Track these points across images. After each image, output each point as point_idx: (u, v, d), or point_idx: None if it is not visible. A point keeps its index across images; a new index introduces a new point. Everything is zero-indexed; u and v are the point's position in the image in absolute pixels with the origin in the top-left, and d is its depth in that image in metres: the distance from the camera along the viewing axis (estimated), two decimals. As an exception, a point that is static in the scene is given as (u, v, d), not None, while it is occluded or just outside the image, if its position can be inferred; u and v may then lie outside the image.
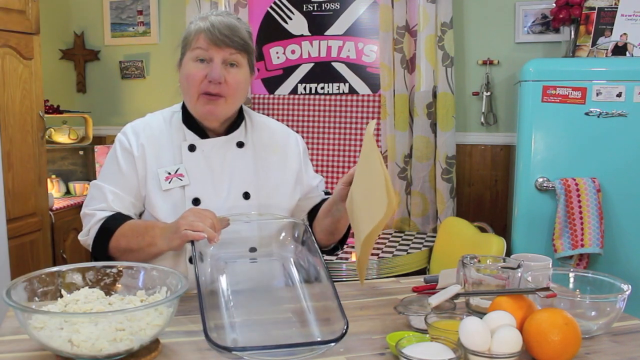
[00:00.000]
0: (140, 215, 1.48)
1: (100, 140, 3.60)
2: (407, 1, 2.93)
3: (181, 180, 1.42)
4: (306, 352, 0.99)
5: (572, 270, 1.34)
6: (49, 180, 3.07)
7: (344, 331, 1.02)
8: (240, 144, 1.48)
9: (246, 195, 1.45)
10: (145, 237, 1.32)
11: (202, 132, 1.47)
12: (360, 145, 3.13)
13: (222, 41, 1.36)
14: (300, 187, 1.57)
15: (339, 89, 3.18)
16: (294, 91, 3.26)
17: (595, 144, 2.28)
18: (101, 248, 1.40)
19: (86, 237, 1.44)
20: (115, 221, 1.39)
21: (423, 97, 2.90)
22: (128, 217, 1.42)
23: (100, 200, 1.43)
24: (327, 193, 1.61)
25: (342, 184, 1.37)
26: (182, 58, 1.44)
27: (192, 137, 1.46)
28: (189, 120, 1.47)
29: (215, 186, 1.44)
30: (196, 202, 1.41)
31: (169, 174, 1.42)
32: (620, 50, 2.44)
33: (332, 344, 1.01)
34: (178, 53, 1.46)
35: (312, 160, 3.19)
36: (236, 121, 1.50)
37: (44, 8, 3.07)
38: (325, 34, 3.18)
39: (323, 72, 3.20)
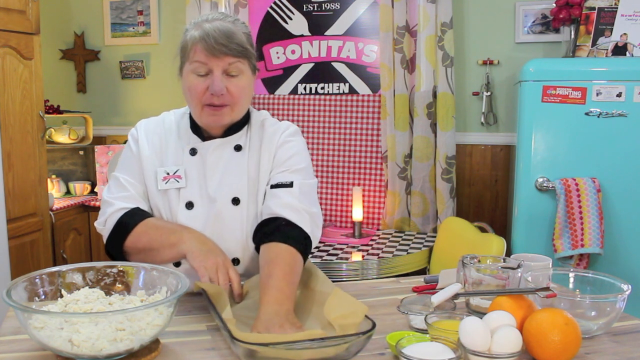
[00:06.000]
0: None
1: (100, 140, 3.60)
2: (407, 1, 2.93)
3: (178, 182, 1.41)
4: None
5: (572, 270, 1.34)
6: (49, 180, 3.07)
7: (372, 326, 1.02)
8: (238, 147, 1.45)
9: (235, 201, 1.41)
10: (171, 236, 1.31)
11: (203, 135, 1.46)
12: (361, 146, 3.13)
13: (220, 51, 1.32)
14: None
15: (339, 89, 3.18)
16: (294, 91, 3.26)
17: (595, 144, 2.28)
18: (116, 244, 1.38)
19: (102, 227, 1.42)
20: (133, 217, 1.37)
21: (423, 97, 2.89)
22: (146, 214, 1.40)
23: (120, 188, 1.43)
24: (278, 185, 1.41)
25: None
26: (181, 67, 1.42)
27: (194, 140, 1.46)
28: (193, 124, 1.47)
29: (207, 190, 1.42)
30: (189, 205, 1.40)
31: (167, 174, 1.42)
32: (620, 50, 2.44)
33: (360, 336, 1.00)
34: (177, 61, 1.43)
35: (312, 160, 3.19)
36: (238, 124, 1.46)
37: (44, 8, 3.07)
38: (326, 34, 3.18)
39: (323, 72, 3.20)
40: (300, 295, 1.29)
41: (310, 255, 2.45)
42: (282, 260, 1.26)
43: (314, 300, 1.24)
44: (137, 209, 1.40)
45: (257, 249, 1.37)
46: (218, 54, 1.33)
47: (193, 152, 1.44)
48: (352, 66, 3.15)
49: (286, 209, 1.36)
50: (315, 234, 1.39)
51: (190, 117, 1.48)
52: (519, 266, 1.23)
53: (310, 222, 1.38)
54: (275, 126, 1.51)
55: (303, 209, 1.37)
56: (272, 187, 1.41)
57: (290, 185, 1.40)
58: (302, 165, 1.46)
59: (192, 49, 1.36)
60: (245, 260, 1.43)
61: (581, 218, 2.24)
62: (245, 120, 1.48)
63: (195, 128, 1.46)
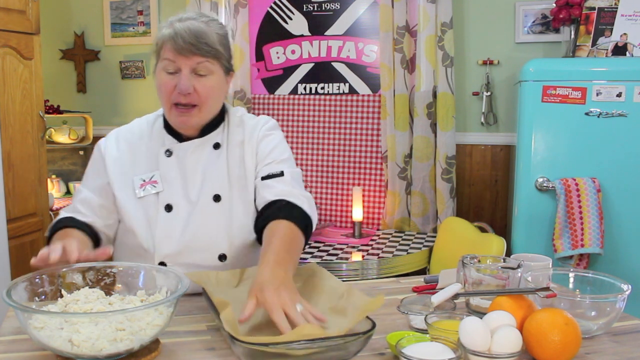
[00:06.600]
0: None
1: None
2: (407, 1, 2.93)
3: (155, 187, 1.41)
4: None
5: (572, 270, 1.34)
6: (49, 180, 3.07)
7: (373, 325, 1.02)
8: (216, 145, 1.46)
9: (216, 198, 1.41)
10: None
11: (180, 135, 1.46)
12: (361, 146, 3.13)
13: (188, 50, 1.33)
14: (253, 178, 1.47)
15: (339, 89, 3.18)
16: (294, 91, 3.26)
17: (595, 144, 2.28)
18: None
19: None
20: (53, 228, 1.41)
21: (423, 97, 2.89)
22: (63, 223, 1.40)
23: (73, 201, 1.48)
24: (269, 176, 1.43)
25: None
26: (155, 65, 1.42)
27: (170, 142, 1.45)
28: (169, 125, 1.47)
29: (187, 191, 1.42)
30: (168, 208, 1.40)
31: (144, 181, 1.42)
32: (620, 50, 2.44)
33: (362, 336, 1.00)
34: (154, 59, 1.43)
35: (311, 160, 3.19)
36: (213, 122, 1.46)
37: (44, 8, 3.07)
38: (326, 34, 3.18)
39: (323, 72, 3.20)
40: (302, 287, 1.28)
41: (310, 256, 2.47)
42: (283, 233, 1.27)
43: (315, 288, 1.25)
44: (63, 219, 1.42)
45: (259, 239, 1.36)
46: (186, 53, 1.34)
47: (169, 153, 1.44)
48: (352, 66, 3.15)
49: (283, 195, 1.38)
50: (313, 216, 1.40)
51: (165, 118, 1.48)
52: (519, 266, 1.23)
53: (308, 204, 1.39)
54: (254, 120, 1.53)
55: (299, 194, 1.39)
56: (263, 178, 1.43)
57: (281, 174, 1.42)
58: (286, 156, 1.49)
59: (162, 47, 1.37)
60: (231, 256, 1.42)
61: (581, 218, 2.24)
62: (220, 118, 1.49)
63: (171, 128, 1.46)
